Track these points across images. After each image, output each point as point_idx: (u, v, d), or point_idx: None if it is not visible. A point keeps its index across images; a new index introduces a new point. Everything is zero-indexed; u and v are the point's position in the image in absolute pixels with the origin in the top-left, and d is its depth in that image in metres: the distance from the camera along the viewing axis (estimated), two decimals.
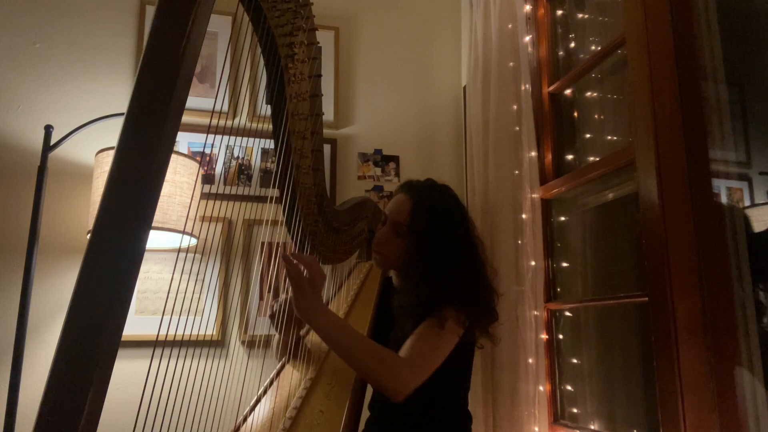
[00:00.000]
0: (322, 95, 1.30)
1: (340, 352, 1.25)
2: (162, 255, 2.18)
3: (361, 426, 1.45)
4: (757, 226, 1.67)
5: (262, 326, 2.22)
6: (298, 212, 1.30)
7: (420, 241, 1.41)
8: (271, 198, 2.20)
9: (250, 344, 2.19)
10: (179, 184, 1.90)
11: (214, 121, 2.30)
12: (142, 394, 0.76)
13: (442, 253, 1.39)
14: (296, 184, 1.28)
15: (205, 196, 2.24)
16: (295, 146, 1.25)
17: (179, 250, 2.15)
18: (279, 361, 1.46)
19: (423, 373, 1.27)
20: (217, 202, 2.26)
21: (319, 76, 1.26)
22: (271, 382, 1.39)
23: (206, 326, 2.15)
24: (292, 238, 1.32)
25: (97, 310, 0.57)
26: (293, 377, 1.37)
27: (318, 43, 1.24)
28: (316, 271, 1.20)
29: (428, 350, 1.30)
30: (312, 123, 1.28)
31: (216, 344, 2.16)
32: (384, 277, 1.71)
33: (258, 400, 1.33)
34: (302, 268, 1.19)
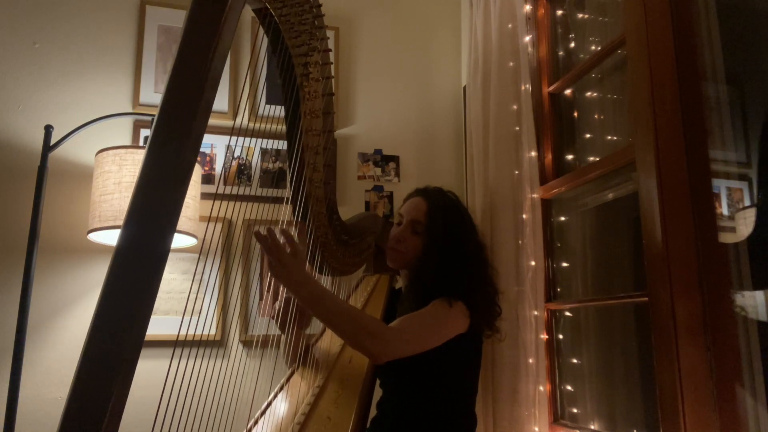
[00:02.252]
0: (335, 113, 1.34)
1: (324, 318, 1.30)
2: None
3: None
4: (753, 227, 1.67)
5: (262, 326, 2.22)
6: (310, 224, 1.34)
7: (435, 239, 1.50)
8: (271, 198, 2.21)
9: (250, 344, 2.19)
10: None
11: (215, 121, 2.30)
12: (162, 395, 0.77)
13: (454, 251, 1.48)
14: (308, 196, 1.33)
15: (205, 196, 2.24)
16: (308, 161, 1.30)
17: (180, 250, 2.15)
18: (289, 366, 1.48)
19: (405, 344, 1.32)
20: (217, 202, 2.26)
21: (332, 94, 1.32)
22: (281, 388, 1.41)
23: (206, 326, 2.15)
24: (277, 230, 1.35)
25: (125, 308, 0.59)
26: (302, 384, 1.39)
27: (331, 62, 1.30)
28: (294, 241, 1.19)
29: (417, 326, 1.36)
30: (324, 139, 1.33)
31: (216, 344, 2.15)
32: (391, 288, 1.75)
33: (268, 405, 1.34)
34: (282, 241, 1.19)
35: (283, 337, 1.48)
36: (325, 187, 1.38)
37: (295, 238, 1.22)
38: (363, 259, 1.77)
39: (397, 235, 1.57)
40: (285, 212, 1.34)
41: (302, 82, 1.23)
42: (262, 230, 1.17)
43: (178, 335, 0.97)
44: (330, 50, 1.30)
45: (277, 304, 1.42)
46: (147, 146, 0.64)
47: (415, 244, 1.53)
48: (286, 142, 1.30)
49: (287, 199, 1.32)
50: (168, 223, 0.63)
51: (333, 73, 2.47)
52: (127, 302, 0.59)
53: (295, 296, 1.28)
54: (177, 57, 0.67)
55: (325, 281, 1.57)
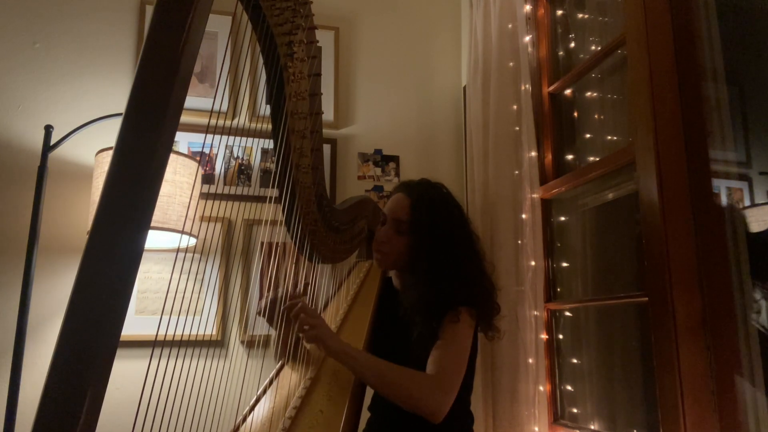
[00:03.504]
0: (322, 94, 1.29)
1: (372, 382, 1.30)
2: (162, 255, 2.18)
3: (362, 426, 1.45)
4: (758, 226, 1.67)
5: (262, 326, 2.22)
6: (298, 211, 1.30)
7: (422, 237, 1.43)
8: (271, 198, 2.21)
9: (250, 344, 2.19)
10: (179, 184, 1.90)
11: (214, 121, 2.30)
12: (142, 394, 0.77)
13: (443, 248, 1.41)
14: (296, 183, 1.27)
15: (205, 196, 2.24)
16: (294, 145, 1.25)
17: (179, 250, 2.15)
18: (278, 361, 1.46)
19: (455, 388, 1.30)
20: (217, 202, 2.26)
21: (318, 74, 1.25)
22: (271, 382, 1.39)
23: (206, 326, 2.15)
24: (292, 238, 1.32)
25: (96, 310, 0.57)
26: (293, 377, 1.37)
27: (317, 41, 1.24)
28: (310, 320, 1.27)
29: (454, 364, 1.32)
30: (311, 122, 1.27)
31: (216, 344, 2.16)
32: (384, 277, 1.72)
33: (258, 400, 1.32)
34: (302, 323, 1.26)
35: (273, 331, 1.45)
36: (313, 172, 1.32)
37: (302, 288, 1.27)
38: (355, 244, 1.72)
39: (380, 236, 1.49)
40: (279, 211, 1.31)
41: (286, 62, 1.16)
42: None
43: (177, 336, 0.97)
44: (316, 27, 1.21)
45: (263, 301, 1.40)
46: (115, 145, 0.62)
47: (399, 244, 1.46)
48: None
49: (276, 198, 1.29)
50: (140, 222, 0.61)
51: (333, 73, 2.50)
52: (98, 304, 0.57)
53: (344, 364, 1.30)
54: (143, 53, 0.64)
55: (317, 269, 1.54)
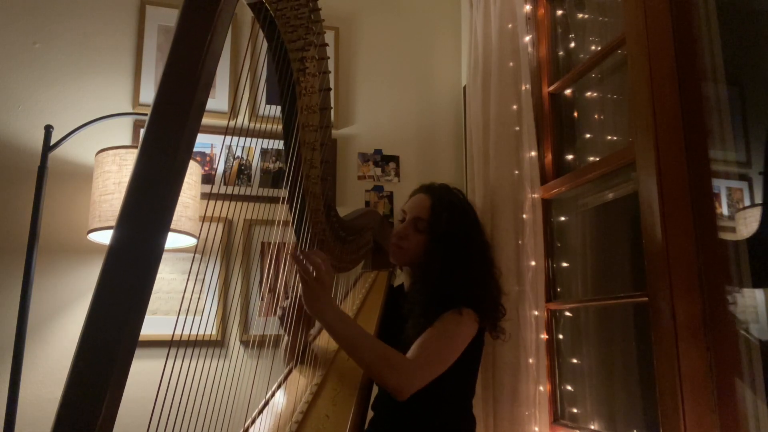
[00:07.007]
0: (332, 108, 1.33)
1: (346, 348, 1.30)
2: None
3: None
4: (758, 226, 1.67)
5: (262, 326, 2.22)
6: (307, 221, 1.33)
7: (439, 237, 1.48)
8: (271, 198, 2.21)
9: (250, 344, 2.19)
10: None
11: (214, 121, 2.30)
12: (156, 395, 0.77)
13: (457, 250, 1.46)
14: (305, 193, 1.31)
15: (205, 196, 2.24)
16: (305, 157, 1.28)
17: (180, 251, 2.15)
18: (287, 366, 1.47)
19: (428, 373, 1.31)
20: (217, 202, 2.26)
21: (329, 89, 1.30)
22: (279, 387, 1.40)
23: (206, 326, 2.15)
24: (300, 246, 1.34)
25: (118, 309, 0.58)
26: (300, 382, 1.39)
27: (328, 57, 1.29)
28: (324, 269, 1.22)
29: (436, 350, 1.34)
30: (321, 135, 1.31)
31: (216, 344, 2.15)
32: (389, 285, 1.74)
33: (266, 404, 1.34)
34: (310, 267, 1.22)
35: (285, 336, 1.47)
36: (322, 183, 1.35)
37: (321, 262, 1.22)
38: (361, 255, 1.75)
39: (399, 232, 1.55)
40: (283, 212, 1.33)
41: (299, 77, 1.22)
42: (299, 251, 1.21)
43: (181, 335, 0.97)
44: (327, 45, 1.28)
45: (281, 308, 1.41)
46: (139, 146, 0.64)
47: (417, 241, 1.51)
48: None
49: (283, 198, 1.31)
50: (162, 223, 0.62)
51: (333, 73, 2.50)
52: (120, 304, 0.58)
53: (320, 320, 1.29)
54: (169, 57, 0.66)
55: None
